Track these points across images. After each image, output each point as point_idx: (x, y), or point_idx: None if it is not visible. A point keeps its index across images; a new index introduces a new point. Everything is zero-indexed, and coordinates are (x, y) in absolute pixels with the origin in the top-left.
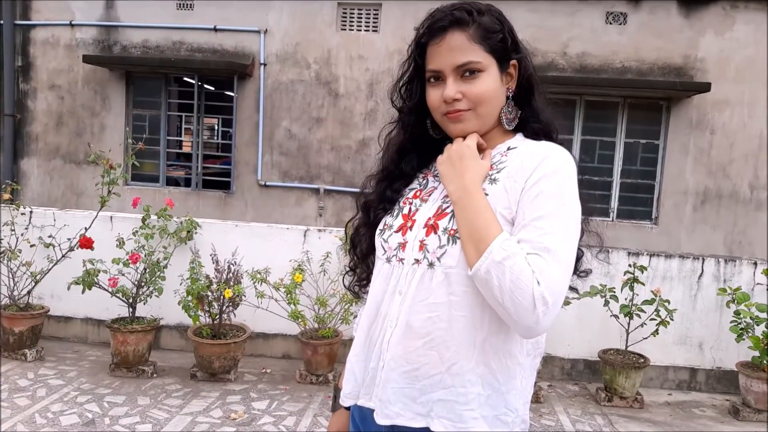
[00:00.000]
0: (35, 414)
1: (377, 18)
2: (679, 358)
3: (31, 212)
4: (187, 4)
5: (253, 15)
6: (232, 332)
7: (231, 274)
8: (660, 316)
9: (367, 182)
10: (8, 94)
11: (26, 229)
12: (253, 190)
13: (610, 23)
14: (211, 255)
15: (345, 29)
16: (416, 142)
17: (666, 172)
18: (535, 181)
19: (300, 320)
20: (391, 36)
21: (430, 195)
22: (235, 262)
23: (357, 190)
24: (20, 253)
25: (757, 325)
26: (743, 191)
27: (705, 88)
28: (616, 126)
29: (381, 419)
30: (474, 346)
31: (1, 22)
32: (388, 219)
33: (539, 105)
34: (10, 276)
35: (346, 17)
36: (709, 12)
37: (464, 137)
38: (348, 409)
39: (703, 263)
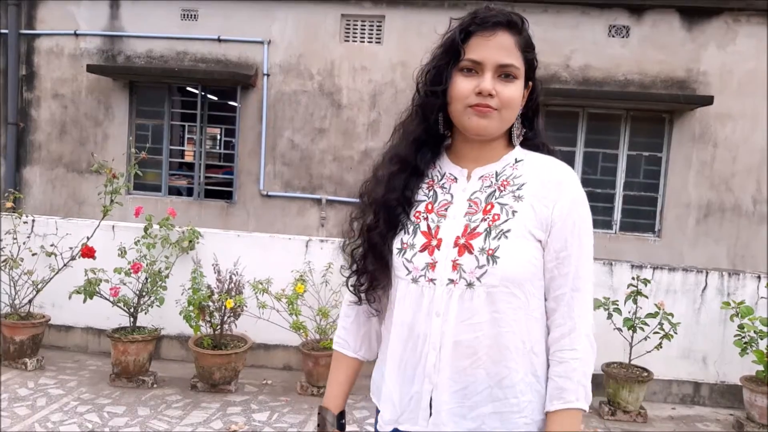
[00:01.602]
0: (35, 424)
1: (380, 30)
2: (682, 372)
3: (33, 221)
4: (191, 15)
5: (257, 26)
6: (233, 343)
7: (232, 284)
8: (663, 330)
9: (374, 173)
10: (12, 103)
11: (28, 237)
12: (255, 200)
13: (613, 36)
14: (212, 265)
15: (348, 41)
16: (430, 136)
17: (669, 185)
18: (568, 213)
19: (301, 331)
20: (394, 48)
21: (446, 210)
22: (236, 272)
23: (359, 200)
24: (22, 261)
25: (761, 339)
26: (746, 204)
27: (707, 101)
28: (618, 138)
29: None
30: (522, 357)
31: (6, 31)
32: (404, 237)
33: (541, 127)
34: (12, 285)
35: (349, 29)
36: (711, 26)
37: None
38: (342, 428)
39: (706, 276)
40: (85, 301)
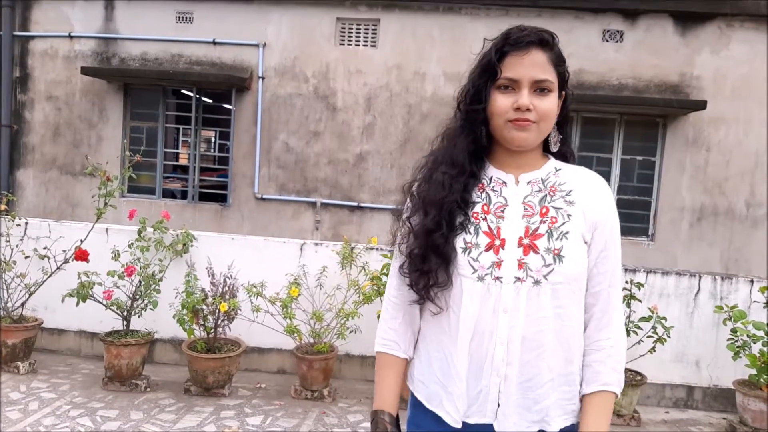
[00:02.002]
0: (27, 428)
1: (375, 33)
2: (676, 376)
3: (26, 223)
4: (186, 17)
5: (252, 29)
6: (226, 346)
7: (226, 288)
8: (657, 334)
9: (427, 176)
10: (5, 105)
11: (21, 240)
12: (249, 203)
13: (607, 41)
14: (206, 268)
15: (343, 44)
16: (477, 145)
17: (662, 189)
18: (607, 218)
19: (295, 335)
20: (389, 51)
21: (503, 211)
22: (230, 276)
23: (354, 203)
24: (14, 264)
25: (754, 342)
26: (739, 208)
27: (701, 105)
28: (612, 142)
29: (498, 429)
30: (579, 349)
31: (0, 33)
32: (466, 237)
33: (568, 133)
34: (4, 287)
35: (344, 32)
36: (705, 30)
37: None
38: (398, 428)
39: (699, 280)
40: (78, 304)
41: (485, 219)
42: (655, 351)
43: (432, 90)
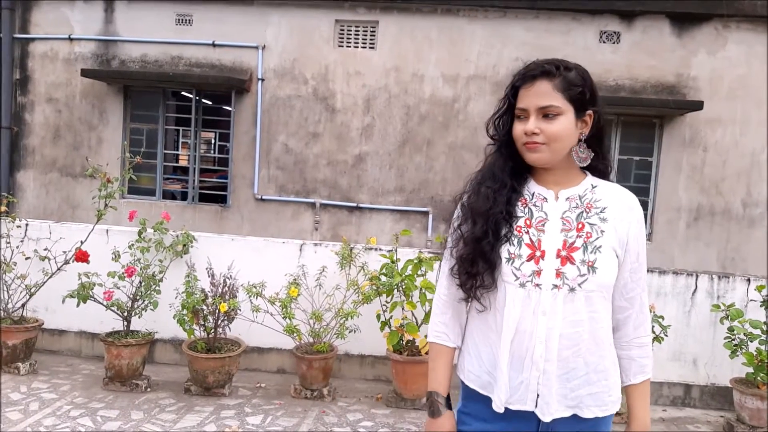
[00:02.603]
0: (27, 428)
1: (374, 35)
2: (673, 375)
3: (26, 225)
4: (186, 20)
5: (252, 31)
6: (226, 346)
7: (226, 288)
8: (654, 332)
9: (476, 188)
10: (5, 107)
11: (21, 241)
12: (249, 204)
13: (604, 42)
14: (206, 269)
15: (342, 46)
16: (516, 163)
17: (659, 189)
18: (638, 232)
19: (295, 334)
20: (388, 53)
21: (543, 226)
22: (230, 276)
23: (353, 204)
24: (15, 265)
25: (751, 341)
26: (736, 208)
27: (697, 106)
28: (609, 143)
29: (546, 417)
30: (610, 347)
31: (0, 35)
32: (510, 248)
33: (605, 149)
34: (5, 289)
35: (343, 34)
36: (701, 32)
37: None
38: (450, 407)
39: (696, 279)
40: (78, 305)
41: (527, 232)
42: (652, 350)
43: (430, 91)
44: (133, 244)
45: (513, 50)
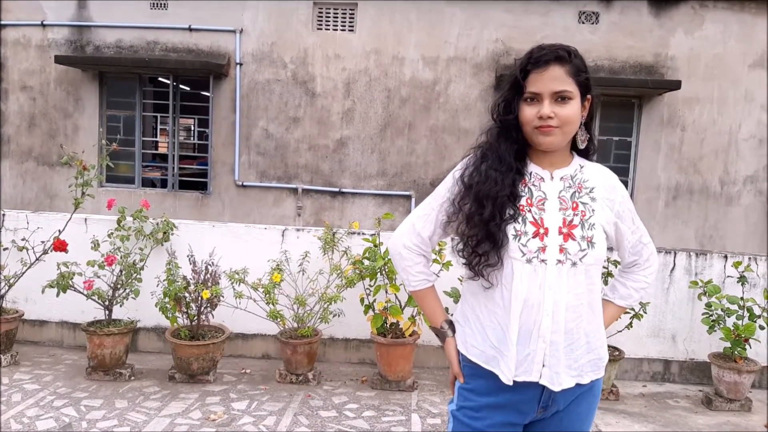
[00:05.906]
0: (10, 420)
1: (353, 18)
2: (653, 351)
3: (3, 215)
4: (161, 4)
5: (228, 14)
6: (210, 333)
7: (208, 275)
8: (634, 310)
9: (478, 167)
10: None
11: None
12: (230, 191)
13: (583, 23)
14: (188, 256)
15: (321, 29)
16: (519, 145)
17: (638, 168)
18: (626, 203)
19: (279, 320)
20: (367, 35)
21: (543, 204)
22: (212, 263)
23: (335, 189)
24: None
25: (728, 316)
26: (714, 186)
27: (675, 85)
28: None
29: (556, 387)
30: (602, 316)
31: None
32: (516, 226)
33: (592, 131)
34: None
35: (322, 17)
36: (678, 11)
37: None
38: (453, 330)
39: (675, 257)
40: (58, 294)
41: (530, 211)
42: (632, 327)
43: (410, 74)
44: (112, 233)
45: (492, 32)
